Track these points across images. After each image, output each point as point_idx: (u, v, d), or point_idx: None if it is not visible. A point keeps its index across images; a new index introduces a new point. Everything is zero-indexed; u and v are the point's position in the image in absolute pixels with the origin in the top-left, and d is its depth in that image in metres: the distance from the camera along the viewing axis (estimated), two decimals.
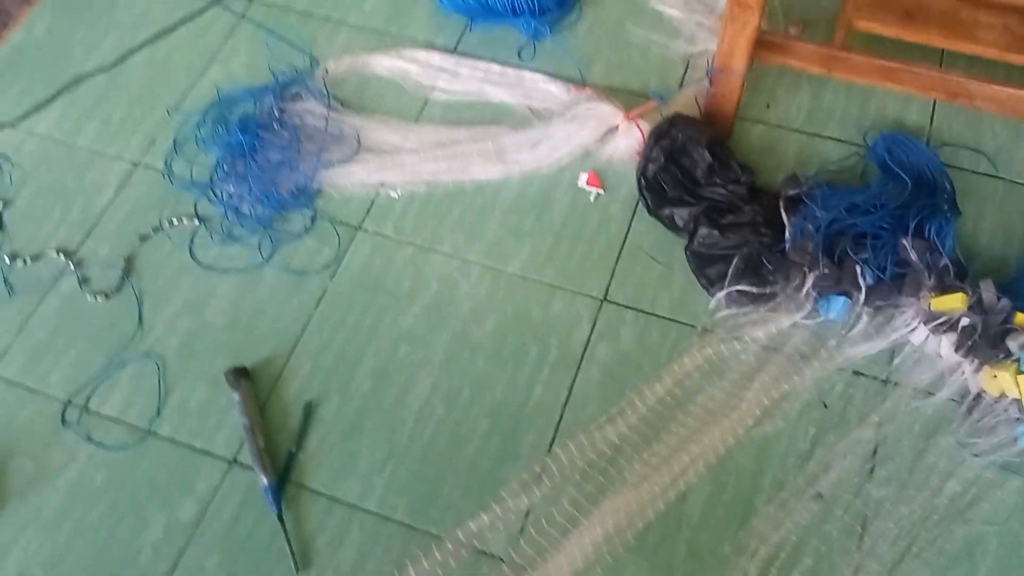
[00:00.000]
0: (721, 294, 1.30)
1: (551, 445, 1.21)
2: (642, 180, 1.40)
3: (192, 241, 1.42)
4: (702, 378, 1.25)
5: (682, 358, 1.27)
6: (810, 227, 1.29)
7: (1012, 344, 1.15)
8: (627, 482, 1.17)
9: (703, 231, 1.33)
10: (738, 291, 1.29)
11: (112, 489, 1.20)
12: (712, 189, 1.37)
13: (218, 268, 1.39)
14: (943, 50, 1.48)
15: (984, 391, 1.18)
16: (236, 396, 1.25)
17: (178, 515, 1.18)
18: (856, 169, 1.44)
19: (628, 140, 1.43)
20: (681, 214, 1.36)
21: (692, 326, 1.30)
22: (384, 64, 1.60)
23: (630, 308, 1.32)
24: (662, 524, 1.15)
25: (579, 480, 1.18)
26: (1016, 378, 1.13)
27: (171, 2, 1.73)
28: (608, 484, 1.17)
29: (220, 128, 1.52)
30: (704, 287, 1.33)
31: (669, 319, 1.31)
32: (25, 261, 1.41)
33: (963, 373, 1.21)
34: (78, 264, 1.40)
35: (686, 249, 1.36)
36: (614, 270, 1.36)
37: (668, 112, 1.44)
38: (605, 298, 1.34)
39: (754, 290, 1.29)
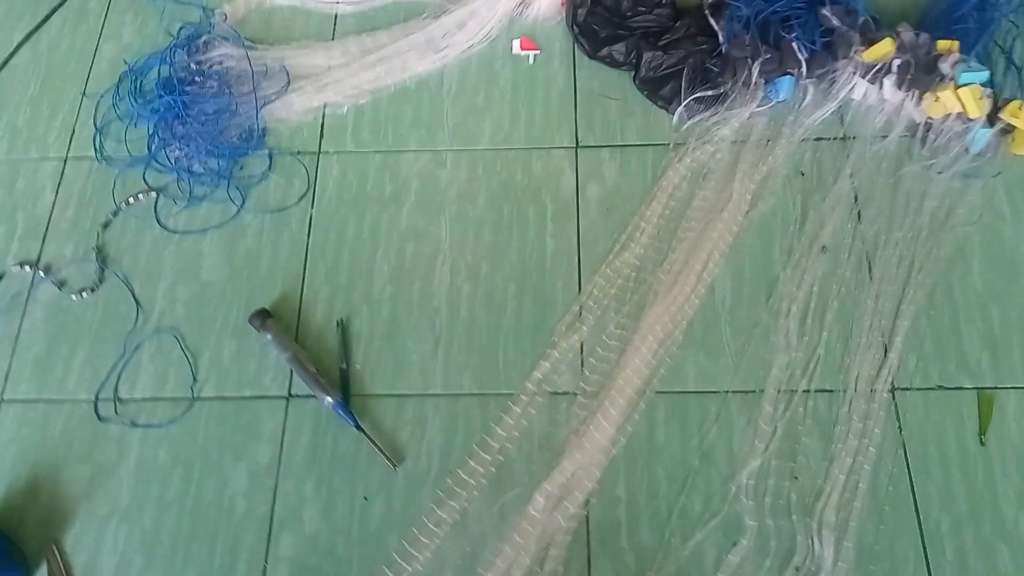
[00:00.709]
0: (680, 108, 1.38)
1: (579, 285, 1.28)
2: (574, 28, 1.45)
3: (157, 213, 1.37)
4: (690, 185, 1.34)
5: (666, 174, 1.35)
6: (739, 24, 1.38)
7: (944, 66, 1.29)
8: (658, 293, 1.26)
9: (647, 56, 1.40)
10: (694, 100, 1.38)
11: (179, 461, 1.19)
12: (640, 18, 1.43)
13: (194, 230, 1.36)
14: None
15: (931, 117, 1.32)
16: (268, 336, 1.24)
17: (257, 460, 1.18)
18: None
19: None
20: (619, 49, 1.43)
21: (664, 144, 1.38)
22: None
23: (603, 146, 1.39)
24: (702, 317, 1.24)
25: (616, 305, 1.25)
26: (956, 93, 1.27)
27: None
28: (642, 300, 1.25)
29: (138, 99, 1.46)
30: (662, 107, 1.40)
31: (642, 145, 1.38)
32: None
33: (906, 109, 1.34)
34: (47, 270, 1.34)
35: (634, 79, 1.43)
36: (575, 118, 1.42)
37: None
38: (577, 145, 1.39)
39: (709, 94, 1.37)
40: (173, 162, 1.40)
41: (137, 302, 1.30)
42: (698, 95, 1.37)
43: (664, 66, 1.40)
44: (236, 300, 1.30)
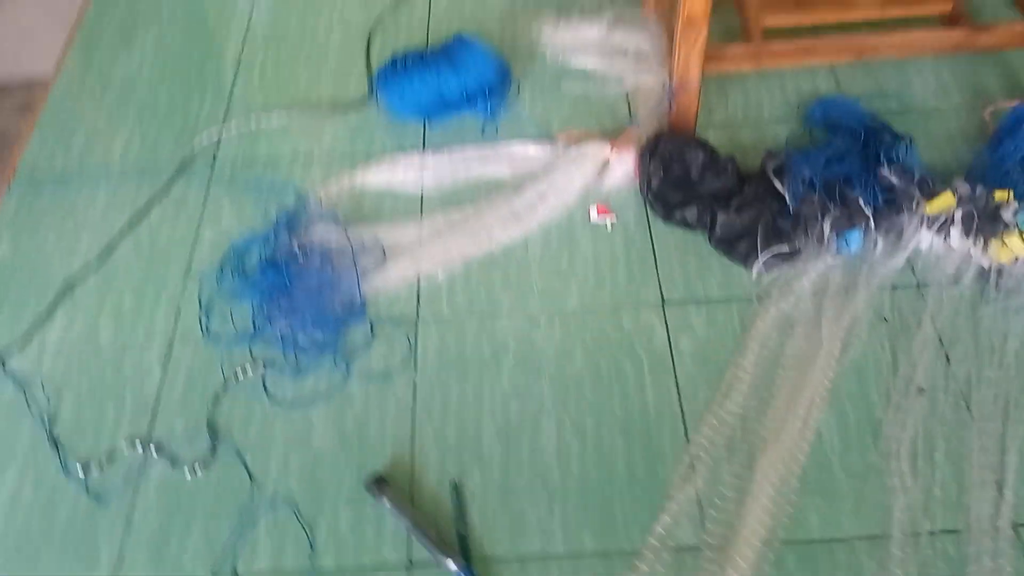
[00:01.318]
0: (759, 264, 1.47)
1: (686, 436, 1.30)
2: (648, 195, 1.57)
3: (265, 387, 1.42)
4: (779, 335, 1.40)
5: (755, 324, 1.41)
6: (803, 185, 1.50)
7: (1006, 215, 1.39)
8: (767, 440, 1.28)
9: (721, 218, 1.50)
10: (771, 255, 1.46)
11: None
12: (709, 184, 1.55)
13: (303, 401, 1.40)
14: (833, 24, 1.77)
15: (1000, 262, 1.40)
16: (385, 502, 1.25)
17: None
18: (806, 137, 1.67)
19: (621, 167, 1.60)
20: (691, 213, 1.53)
21: (748, 300, 1.45)
22: (369, 178, 1.69)
23: (689, 303, 1.46)
24: (814, 462, 1.26)
25: (727, 454, 1.28)
26: (1022, 237, 1.36)
27: (132, 189, 1.75)
28: (752, 448, 1.28)
29: (242, 277, 1.55)
30: (741, 264, 1.49)
31: (725, 300, 1.46)
32: (101, 467, 1.35)
33: (974, 255, 1.43)
34: (158, 448, 1.36)
35: (709, 240, 1.52)
36: (658, 277, 1.50)
37: (642, 135, 1.63)
38: (663, 302, 1.47)
39: (785, 249, 1.46)
40: (280, 336, 1.46)
41: (250, 475, 1.32)
42: (774, 251, 1.46)
43: (737, 226, 1.49)
44: (348, 468, 1.32)
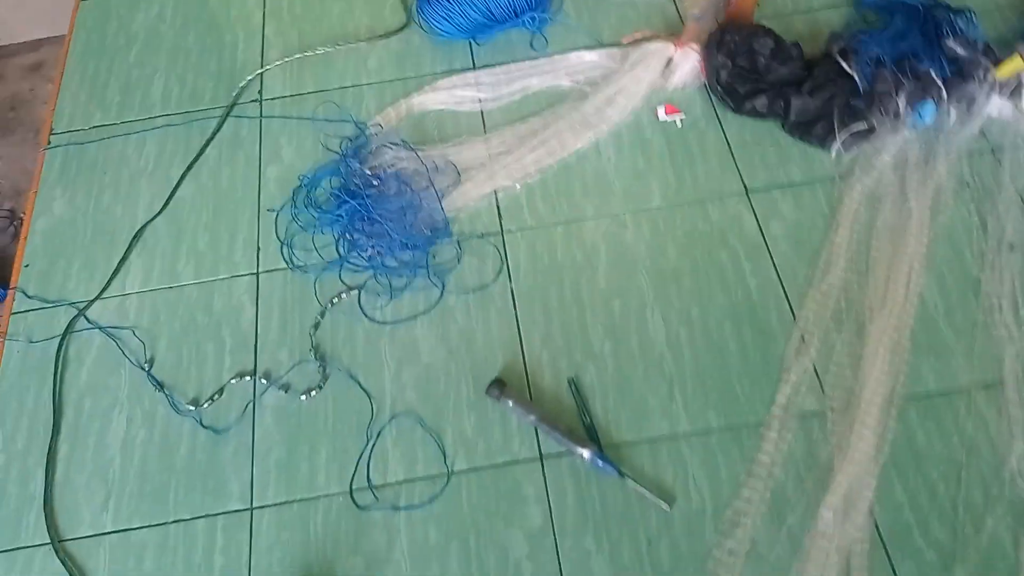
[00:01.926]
0: (837, 144, 1.48)
1: (793, 314, 1.33)
2: (718, 87, 1.57)
3: (363, 308, 1.41)
4: (867, 210, 1.42)
5: (842, 203, 1.43)
6: (873, 62, 1.51)
7: None
8: (872, 309, 1.31)
9: (796, 103, 1.50)
10: (849, 134, 1.48)
11: (450, 536, 1.18)
12: (777, 72, 1.55)
13: (404, 319, 1.40)
14: None
15: None
16: (509, 403, 1.26)
17: (529, 523, 1.18)
18: (861, 20, 1.68)
19: (687, 63, 1.60)
20: (762, 102, 1.54)
21: (831, 180, 1.47)
22: (425, 101, 1.67)
23: (773, 189, 1.47)
24: (922, 324, 1.29)
25: (835, 325, 1.30)
26: None
27: (182, 134, 1.71)
28: (859, 317, 1.30)
29: (318, 208, 1.53)
30: (819, 146, 1.50)
31: (809, 182, 1.47)
32: (212, 399, 1.34)
33: None
34: (267, 378, 1.36)
35: (784, 126, 1.53)
36: (737, 167, 1.51)
37: (703, 30, 1.62)
38: (747, 190, 1.48)
39: (862, 127, 1.48)
40: (368, 260, 1.45)
41: (367, 393, 1.32)
42: (851, 130, 1.47)
43: (812, 109, 1.50)
44: (462, 377, 1.32)
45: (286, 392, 1.34)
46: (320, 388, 1.33)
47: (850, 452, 1.18)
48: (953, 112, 1.49)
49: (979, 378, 1.24)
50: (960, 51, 1.50)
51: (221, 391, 1.35)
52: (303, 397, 1.33)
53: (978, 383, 1.23)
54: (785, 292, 1.35)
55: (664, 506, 1.17)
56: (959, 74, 1.49)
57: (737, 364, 1.29)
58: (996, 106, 1.48)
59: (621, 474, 1.19)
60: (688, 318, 1.35)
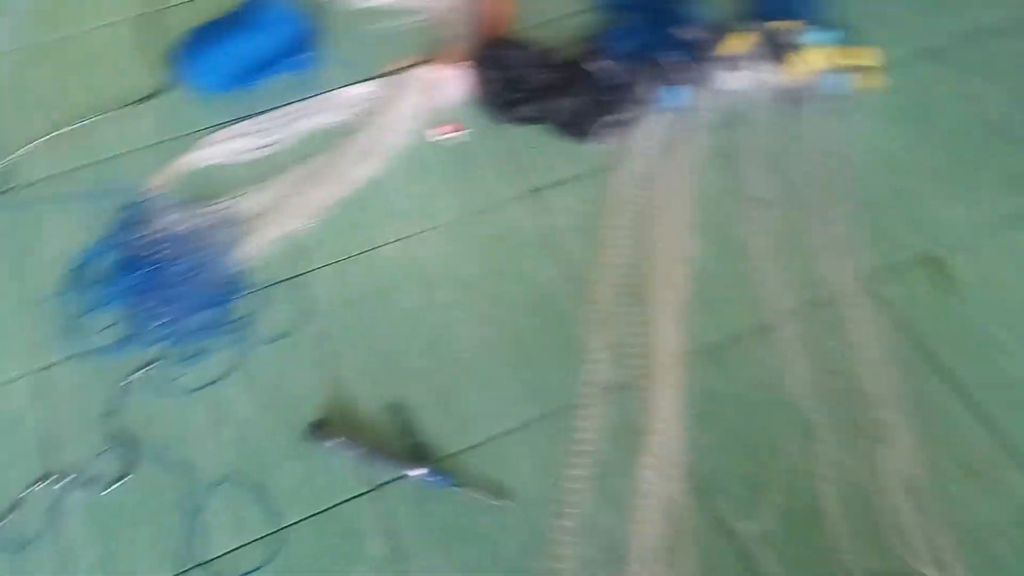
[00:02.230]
0: (603, 135, 1.59)
1: (588, 297, 1.41)
2: (486, 100, 1.64)
3: (167, 383, 1.36)
4: (638, 189, 1.53)
5: (616, 187, 1.54)
6: (619, 59, 1.63)
7: (789, 38, 1.60)
8: (654, 278, 1.41)
9: (559, 105, 1.60)
10: (610, 126, 1.59)
11: None
12: (538, 79, 1.65)
13: (212, 381, 1.36)
14: None
15: (794, 79, 1.61)
16: (334, 441, 1.26)
17: (374, 557, 1.18)
18: (604, 22, 1.80)
19: (453, 82, 1.66)
20: (528, 109, 1.63)
21: (604, 168, 1.57)
22: (201, 159, 1.64)
23: (555, 185, 1.56)
24: (697, 284, 1.41)
25: (625, 299, 1.40)
26: (807, 53, 1.58)
27: None
28: (644, 285, 1.41)
29: (99, 286, 1.46)
30: (586, 140, 1.60)
31: (585, 174, 1.57)
32: (3, 518, 1.24)
33: (777, 80, 1.63)
34: (69, 479, 1.27)
35: (553, 127, 1.62)
36: (516, 172, 1.58)
37: (465, 49, 1.69)
38: (529, 191, 1.55)
39: (620, 118, 1.59)
40: (164, 329, 1.40)
41: (183, 466, 1.27)
42: (612, 122, 1.59)
43: (576, 108, 1.61)
44: (280, 427, 1.31)
45: (93, 489, 1.26)
46: (130, 474, 1.27)
47: (656, 412, 1.26)
48: (696, 91, 1.63)
49: (752, 321, 1.36)
50: (690, 36, 1.65)
51: (17, 505, 1.25)
52: (112, 488, 1.26)
53: (753, 326, 1.36)
54: (577, 278, 1.43)
55: (502, 504, 1.20)
56: (693, 56, 1.64)
57: (546, 354, 1.35)
58: (731, 78, 1.64)
59: (455, 484, 1.22)
60: (494, 320, 1.40)
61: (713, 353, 1.33)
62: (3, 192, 1.63)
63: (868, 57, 1.60)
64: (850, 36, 1.70)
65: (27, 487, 1.27)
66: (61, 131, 1.71)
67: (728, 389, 1.30)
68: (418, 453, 1.26)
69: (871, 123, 1.60)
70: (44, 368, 1.39)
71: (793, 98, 1.62)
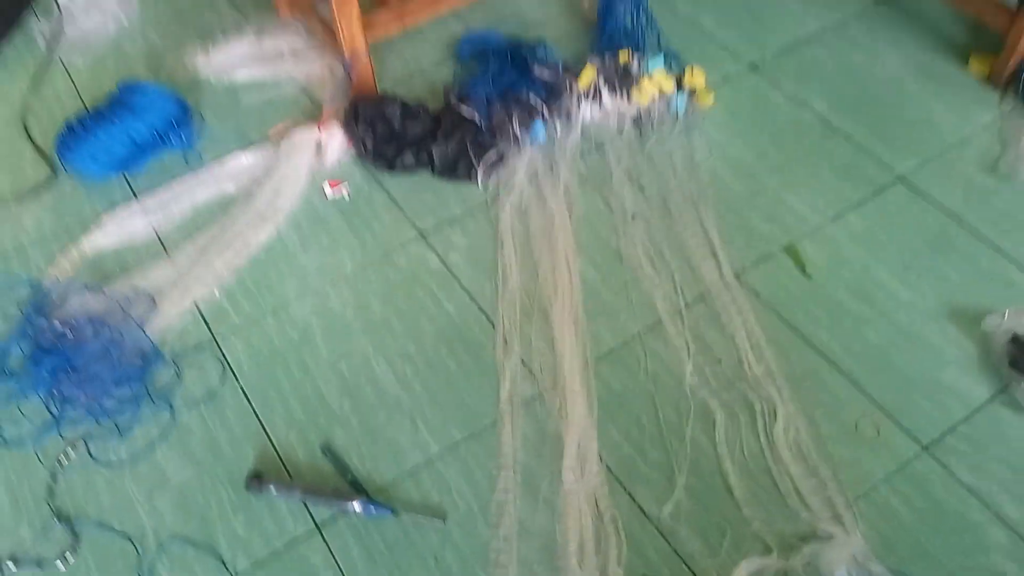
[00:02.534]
0: (479, 175, 1.72)
1: (491, 322, 1.53)
2: (366, 154, 1.75)
3: (95, 460, 1.39)
4: (520, 219, 1.67)
5: (499, 221, 1.67)
6: (483, 104, 1.78)
7: (632, 67, 1.79)
8: (549, 297, 1.55)
9: (435, 151, 1.73)
10: (485, 165, 1.73)
11: None
12: (412, 130, 1.77)
13: (142, 451, 1.39)
14: None
15: (642, 105, 1.80)
16: (271, 489, 1.32)
17: None
18: (465, 70, 1.96)
19: (333, 141, 1.76)
20: (408, 158, 1.75)
21: (484, 205, 1.71)
22: (99, 242, 1.67)
23: (443, 226, 1.68)
24: (588, 296, 1.55)
25: (526, 320, 1.52)
26: (650, 79, 1.77)
27: None
28: (542, 306, 1.54)
29: (13, 376, 1.47)
30: (466, 181, 1.74)
31: (469, 212, 1.70)
32: None
33: (624, 108, 1.81)
34: (15, 561, 1.28)
35: (433, 172, 1.75)
36: (407, 216, 1.70)
37: (338, 109, 1.80)
38: (422, 234, 1.67)
39: (492, 157, 1.74)
40: (85, 409, 1.43)
41: (126, 536, 1.30)
42: (485, 161, 1.73)
43: (449, 153, 1.74)
44: (218, 483, 1.36)
45: (40, 567, 1.28)
46: (75, 550, 1.29)
47: (569, 417, 1.39)
48: (557, 124, 1.80)
49: (642, 323, 1.52)
50: (546, 74, 1.82)
51: None
52: (59, 563, 1.28)
53: (643, 327, 1.51)
54: (479, 307, 1.55)
55: (439, 523, 1.30)
56: (552, 93, 1.81)
57: (460, 379, 1.46)
58: (588, 110, 1.82)
59: (393, 511, 1.30)
60: (408, 355, 1.49)
61: (613, 356, 1.48)
62: None
63: (698, 77, 1.81)
64: (685, 59, 1.91)
65: None
66: None
67: (631, 386, 1.44)
68: (355, 488, 1.34)
69: (717, 134, 1.80)
70: None
71: (644, 121, 1.81)
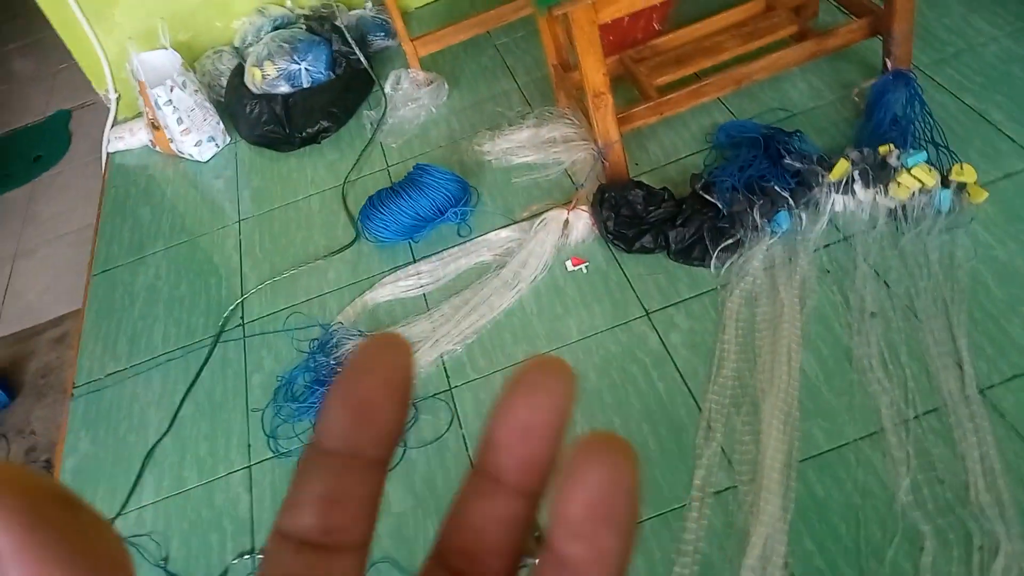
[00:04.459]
0: (713, 260, 1.75)
1: (698, 406, 1.54)
2: (608, 236, 1.86)
3: None
4: (748, 308, 1.66)
5: (726, 306, 1.67)
6: (728, 191, 1.80)
7: (892, 161, 1.70)
8: (764, 390, 1.52)
9: (672, 235, 1.79)
10: (720, 251, 1.75)
11: None
12: (654, 214, 1.85)
13: None
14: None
15: (900, 199, 1.70)
16: None
17: None
18: (719, 158, 2.00)
19: (580, 222, 1.90)
20: (647, 240, 1.83)
21: (714, 290, 1.72)
22: (378, 296, 1.98)
23: (668, 306, 1.73)
24: (806, 394, 1.49)
25: (734, 410, 1.51)
26: (910, 174, 1.66)
27: (180, 365, 2.01)
28: (753, 398, 1.51)
29: (296, 401, 1.79)
30: (699, 265, 1.77)
31: (697, 296, 1.73)
32: None
33: (880, 202, 1.73)
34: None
35: (669, 255, 1.81)
36: (637, 295, 1.77)
37: (589, 193, 1.95)
38: (647, 313, 1.73)
39: (730, 243, 1.75)
40: None
41: None
42: (722, 247, 1.75)
43: (688, 238, 1.79)
44: (428, 518, 1.53)
45: None
46: None
47: (760, 516, 1.35)
48: (803, 215, 1.76)
49: (862, 430, 1.42)
50: (798, 164, 1.80)
51: (226, 572, 1.55)
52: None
53: (862, 434, 1.42)
54: (689, 389, 1.57)
55: None
56: (801, 183, 1.78)
57: (657, 459, 1.49)
58: (838, 202, 1.76)
59: None
60: (611, 426, 1.56)
61: (821, 459, 1.40)
62: (234, 327, 2.05)
63: (969, 173, 1.66)
64: (964, 153, 1.76)
65: (236, 557, 1.56)
66: (277, 279, 2.14)
67: (836, 495, 1.36)
68: (538, 543, 1.42)
69: (986, 235, 1.63)
70: (257, 463, 1.73)
71: (900, 217, 1.70)
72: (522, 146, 2.26)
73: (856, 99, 2.00)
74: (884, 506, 1.32)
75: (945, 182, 1.68)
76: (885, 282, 1.62)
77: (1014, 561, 1.20)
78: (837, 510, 1.34)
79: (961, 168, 1.67)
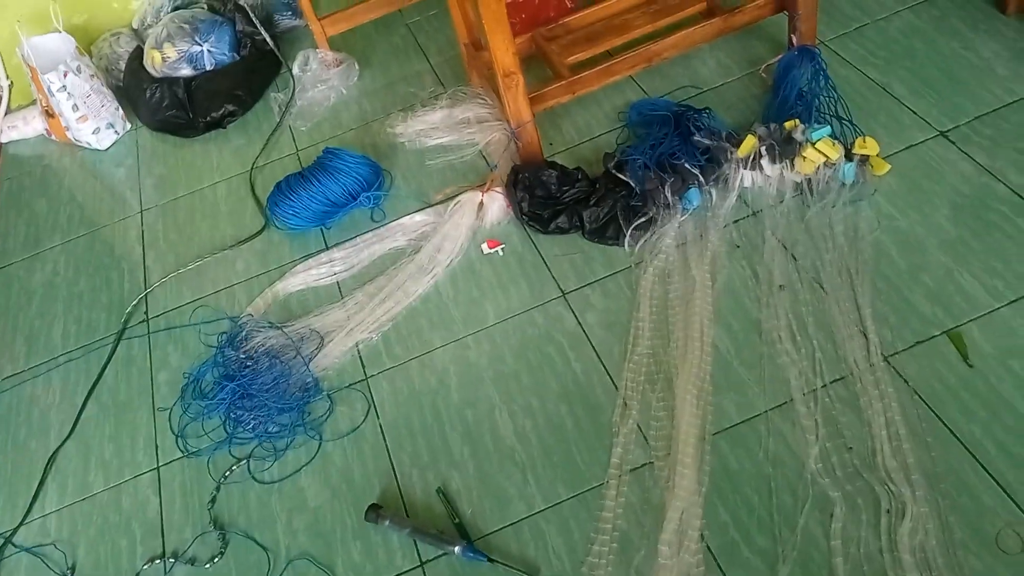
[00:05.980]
0: (627, 239, 1.75)
1: (615, 384, 1.54)
2: (523, 218, 1.84)
3: (252, 475, 1.59)
4: (661, 285, 1.67)
5: (640, 284, 1.68)
6: (640, 169, 1.80)
7: (796, 136, 1.73)
8: (677, 365, 1.53)
9: (586, 215, 1.78)
10: (633, 229, 1.75)
11: None
12: (568, 194, 1.84)
13: (290, 474, 1.57)
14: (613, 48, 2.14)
15: (806, 174, 1.73)
16: (386, 522, 1.43)
17: None
18: (631, 136, 2.00)
19: (495, 203, 1.88)
20: (562, 220, 1.81)
21: (628, 268, 1.72)
22: (289, 286, 1.92)
23: (584, 286, 1.72)
24: (718, 368, 1.51)
25: (649, 387, 1.51)
26: (815, 148, 1.69)
27: (81, 365, 1.92)
28: (667, 374, 1.52)
29: (204, 398, 1.73)
30: (613, 244, 1.77)
31: (611, 275, 1.72)
32: None
33: (786, 176, 1.75)
34: (176, 557, 1.50)
35: (583, 235, 1.80)
36: (552, 276, 1.76)
37: (502, 174, 1.92)
38: (564, 293, 1.72)
39: (642, 221, 1.75)
40: (252, 431, 1.64)
41: (264, 548, 1.47)
42: (635, 225, 1.75)
43: (601, 216, 1.78)
44: (346, 511, 1.49)
45: (192, 565, 1.48)
46: (222, 554, 1.48)
47: (676, 490, 1.36)
48: (713, 192, 1.78)
49: (772, 401, 1.44)
50: (707, 142, 1.81)
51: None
52: (208, 566, 1.47)
53: (772, 405, 1.44)
54: (606, 368, 1.57)
55: None
56: (711, 160, 1.79)
57: (576, 438, 1.48)
58: (747, 177, 1.78)
59: (490, 560, 1.35)
60: (530, 410, 1.55)
61: (733, 432, 1.42)
62: (138, 323, 1.97)
63: (872, 146, 1.69)
64: (869, 127, 1.80)
65: (147, 561, 1.51)
66: (182, 271, 2.05)
67: (748, 466, 1.38)
68: (459, 531, 1.40)
69: (888, 206, 1.67)
70: (165, 464, 1.66)
71: (806, 190, 1.73)
72: (435, 127, 2.22)
73: (763, 75, 2.03)
74: (795, 475, 1.35)
75: (849, 155, 1.72)
76: (792, 255, 1.65)
77: (920, 523, 1.24)
78: (750, 481, 1.36)
79: (864, 141, 1.71)
